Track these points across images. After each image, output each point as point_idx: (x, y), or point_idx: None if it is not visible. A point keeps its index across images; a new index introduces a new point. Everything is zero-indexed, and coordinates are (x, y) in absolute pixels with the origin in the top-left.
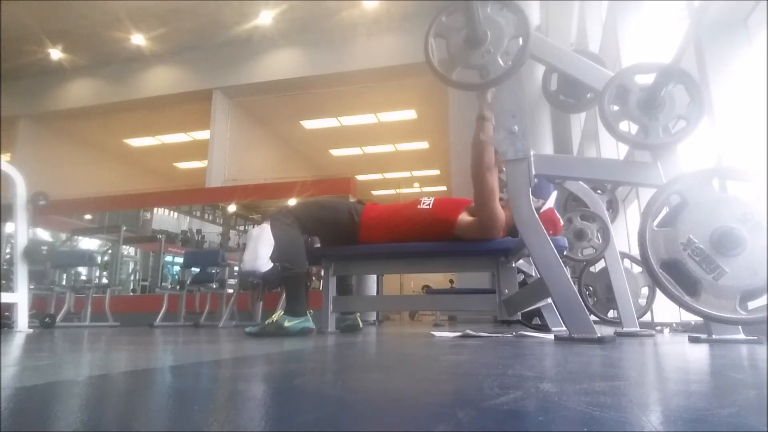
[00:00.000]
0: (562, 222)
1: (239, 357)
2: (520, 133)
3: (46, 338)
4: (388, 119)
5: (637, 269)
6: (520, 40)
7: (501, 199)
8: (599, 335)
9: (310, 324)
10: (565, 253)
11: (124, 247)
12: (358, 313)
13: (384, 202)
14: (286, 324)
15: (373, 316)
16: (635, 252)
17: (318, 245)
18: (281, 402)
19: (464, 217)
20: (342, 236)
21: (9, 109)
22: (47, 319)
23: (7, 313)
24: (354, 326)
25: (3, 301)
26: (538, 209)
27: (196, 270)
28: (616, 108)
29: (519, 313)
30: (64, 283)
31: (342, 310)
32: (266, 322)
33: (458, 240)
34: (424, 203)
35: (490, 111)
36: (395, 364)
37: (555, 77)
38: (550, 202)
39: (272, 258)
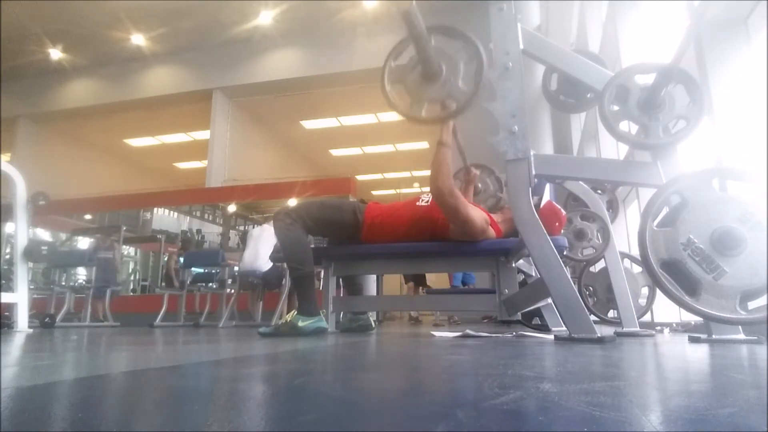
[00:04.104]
0: (564, 212)
1: (240, 357)
2: (520, 133)
3: (46, 338)
4: (388, 119)
5: (637, 269)
6: (475, 63)
7: (501, 207)
8: (599, 335)
9: (324, 324)
10: (565, 253)
11: (124, 246)
12: (369, 313)
13: (385, 202)
14: (300, 324)
15: (372, 317)
16: (635, 252)
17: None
18: (282, 402)
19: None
20: (345, 236)
21: (9, 109)
22: (47, 319)
23: (7, 313)
24: (366, 326)
25: (3, 301)
26: (536, 206)
27: (197, 270)
28: (616, 108)
29: (519, 313)
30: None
31: (343, 310)
32: (280, 323)
33: (455, 240)
34: (423, 200)
35: (451, 138)
36: (395, 364)
37: (555, 77)
38: (547, 196)
39: (273, 258)
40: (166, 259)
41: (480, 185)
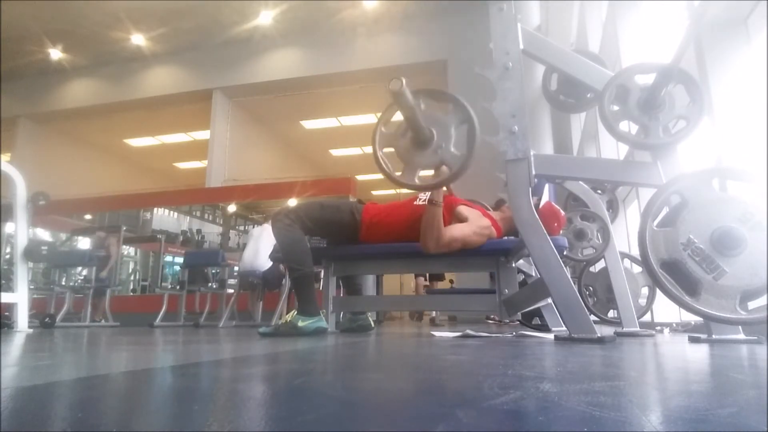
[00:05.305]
0: (563, 213)
1: (240, 357)
2: (520, 133)
3: (46, 338)
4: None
5: (637, 269)
6: (467, 126)
7: (500, 206)
8: (599, 335)
9: (324, 324)
10: (565, 253)
11: (124, 246)
12: (369, 313)
13: (384, 202)
14: (300, 324)
15: (372, 317)
16: (635, 252)
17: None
18: (282, 402)
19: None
20: (344, 236)
21: (9, 109)
22: (47, 319)
23: (7, 313)
24: (366, 326)
25: (3, 301)
26: (536, 206)
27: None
28: (616, 108)
29: (519, 313)
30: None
31: (343, 310)
32: (280, 323)
33: None
34: (420, 199)
35: (442, 196)
36: (395, 364)
37: (555, 77)
38: (546, 196)
39: (273, 258)
40: None
41: None
